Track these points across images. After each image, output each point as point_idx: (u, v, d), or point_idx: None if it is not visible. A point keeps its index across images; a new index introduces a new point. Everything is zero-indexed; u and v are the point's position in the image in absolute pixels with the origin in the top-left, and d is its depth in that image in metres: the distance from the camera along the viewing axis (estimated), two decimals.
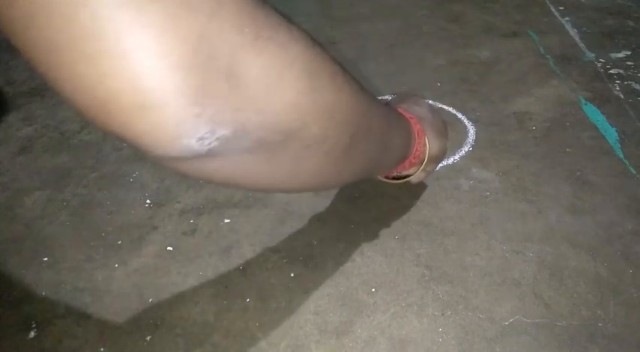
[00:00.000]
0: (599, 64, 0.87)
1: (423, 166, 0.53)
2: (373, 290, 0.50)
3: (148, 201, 0.64)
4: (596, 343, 0.44)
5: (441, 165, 0.66)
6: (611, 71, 0.85)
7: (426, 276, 0.51)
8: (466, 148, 0.69)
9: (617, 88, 0.80)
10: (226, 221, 0.60)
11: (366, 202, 0.61)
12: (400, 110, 0.48)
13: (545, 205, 0.58)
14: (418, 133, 0.48)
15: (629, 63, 0.87)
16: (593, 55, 0.90)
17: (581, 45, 0.94)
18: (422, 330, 0.46)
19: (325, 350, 0.45)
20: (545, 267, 0.51)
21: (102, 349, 0.47)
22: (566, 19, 1.05)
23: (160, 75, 0.18)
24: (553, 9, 1.10)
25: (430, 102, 0.53)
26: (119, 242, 0.58)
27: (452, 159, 0.67)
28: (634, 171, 0.62)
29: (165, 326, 0.48)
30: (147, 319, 0.49)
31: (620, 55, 0.90)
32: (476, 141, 0.70)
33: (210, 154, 0.21)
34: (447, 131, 0.57)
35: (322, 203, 0.61)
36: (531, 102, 0.78)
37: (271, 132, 0.23)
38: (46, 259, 0.57)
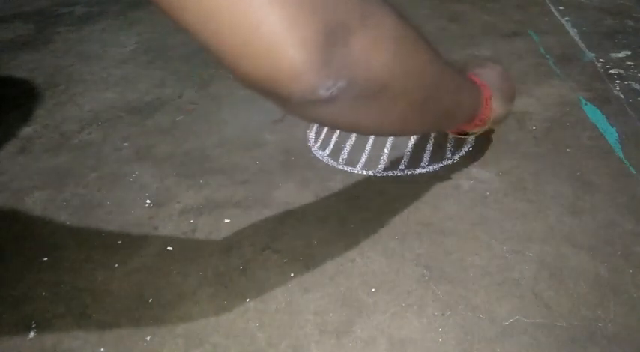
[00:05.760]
0: (599, 64, 0.87)
1: (487, 126, 0.59)
2: (373, 290, 0.50)
3: (147, 201, 0.64)
4: (596, 343, 0.44)
5: (440, 164, 0.66)
6: (611, 71, 0.85)
7: (426, 276, 0.51)
8: (466, 148, 0.69)
9: (617, 88, 0.80)
10: (226, 221, 0.60)
11: (366, 202, 0.61)
12: (473, 76, 0.55)
13: (545, 205, 0.58)
14: (486, 100, 0.55)
15: (629, 63, 0.87)
16: (593, 55, 0.90)
17: (581, 45, 0.94)
18: (422, 330, 0.46)
19: (325, 350, 0.45)
20: (545, 267, 0.51)
21: (102, 349, 0.47)
22: (566, 19, 1.05)
23: (306, 50, 0.27)
24: (553, 9, 1.10)
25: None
26: (119, 242, 0.58)
27: (452, 159, 0.67)
28: (634, 171, 0.62)
29: (165, 326, 0.48)
30: (147, 319, 0.49)
31: (620, 55, 0.90)
32: (476, 141, 0.70)
33: (330, 100, 0.30)
34: (515, 95, 0.64)
35: (322, 203, 0.61)
36: (531, 102, 0.78)
37: (370, 84, 0.32)
38: (46, 259, 0.57)
